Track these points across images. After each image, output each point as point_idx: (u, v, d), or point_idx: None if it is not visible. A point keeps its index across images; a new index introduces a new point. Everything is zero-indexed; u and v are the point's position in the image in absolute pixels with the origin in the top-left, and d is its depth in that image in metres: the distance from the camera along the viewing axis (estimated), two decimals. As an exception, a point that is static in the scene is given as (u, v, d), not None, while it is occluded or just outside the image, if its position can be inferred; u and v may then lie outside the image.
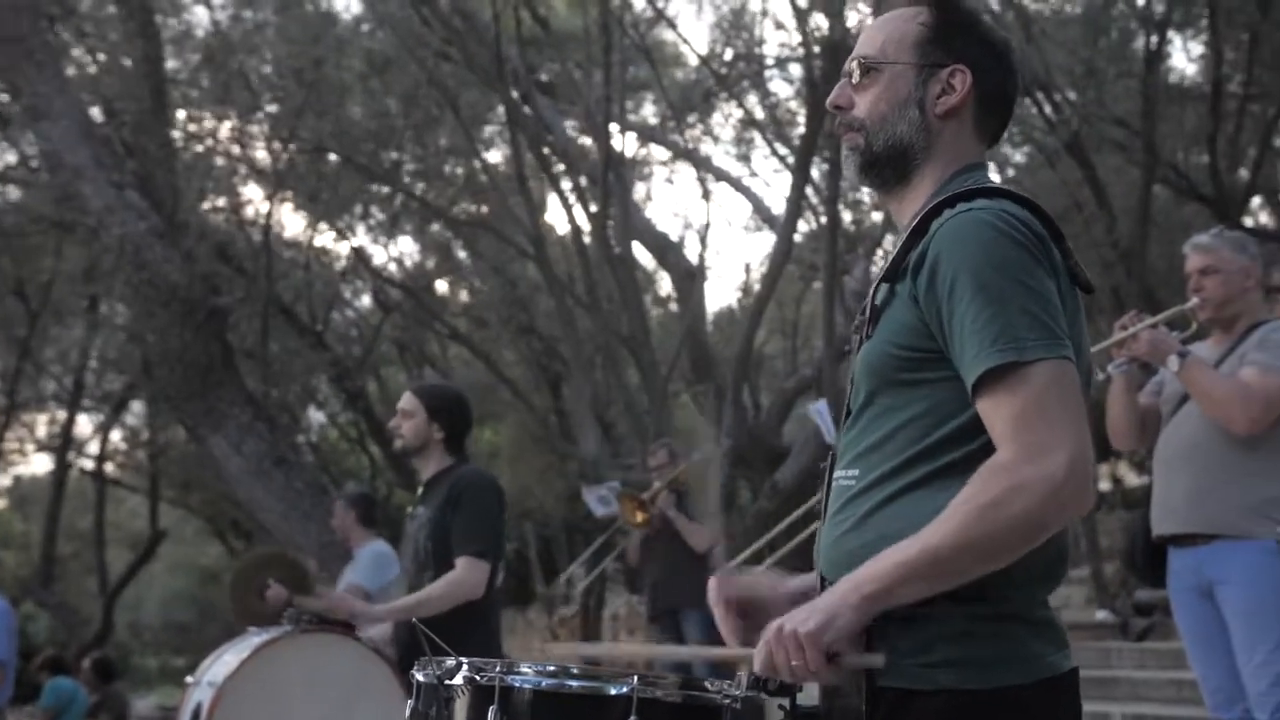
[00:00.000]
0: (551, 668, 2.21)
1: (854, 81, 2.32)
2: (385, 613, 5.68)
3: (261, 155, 16.12)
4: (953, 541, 1.95)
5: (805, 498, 8.37)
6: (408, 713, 2.32)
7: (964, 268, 2.04)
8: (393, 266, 20.06)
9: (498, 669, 2.18)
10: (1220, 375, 4.61)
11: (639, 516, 9.20)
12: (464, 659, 2.23)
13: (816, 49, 13.45)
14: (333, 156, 15.43)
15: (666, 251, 18.87)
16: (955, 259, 2.05)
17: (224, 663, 5.39)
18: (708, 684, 2.23)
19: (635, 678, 2.15)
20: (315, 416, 23.80)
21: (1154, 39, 12.89)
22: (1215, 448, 4.60)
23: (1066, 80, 13.17)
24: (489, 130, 18.85)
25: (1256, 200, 17.54)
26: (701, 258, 20.52)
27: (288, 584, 7.29)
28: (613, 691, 2.16)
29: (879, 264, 18.21)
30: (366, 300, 21.45)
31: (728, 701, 2.22)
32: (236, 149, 15.89)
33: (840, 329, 14.61)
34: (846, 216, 15.74)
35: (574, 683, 2.19)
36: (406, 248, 20.61)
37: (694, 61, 18.23)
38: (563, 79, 16.78)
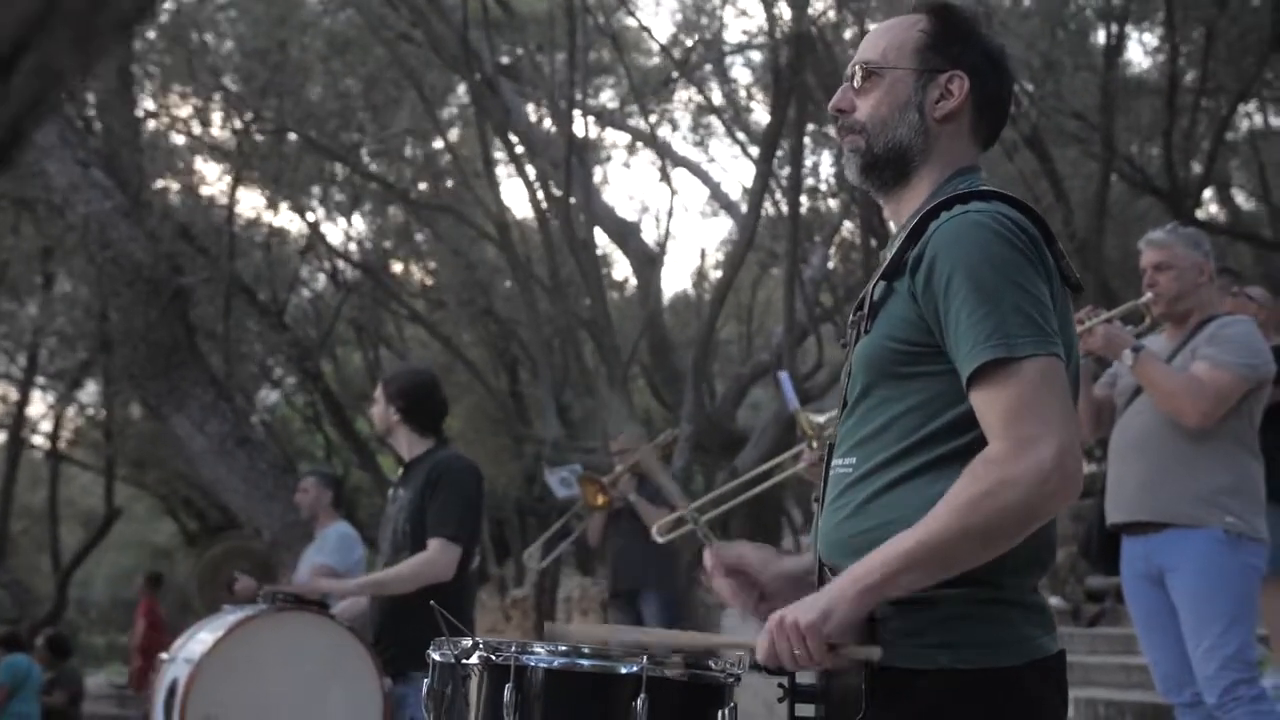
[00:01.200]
0: (564, 647, 2.30)
1: (855, 85, 2.41)
2: (355, 586, 5.78)
3: (223, 135, 16.04)
4: (948, 533, 2.05)
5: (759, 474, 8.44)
6: (424, 691, 2.40)
7: (960, 267, 2.14)
8: (352, 246, 19.98)
9: (513, 649, 2.27)
10: (1172, 370, 4.74)
11: (600, 499, 9.28)
12: (480, 639, 2.31)
13: (781, 36, 13.52)
14: (293, 136, 15.36)
15: (627, 236, 18.92)
16: (952, 259, 2.15)
17: (199, 640, 5.44)
18: (712, 663, 2.33)
19: (645, 657, 2.25)
20: (269, 396, 23.70)
21: (1113, 32, 13.03)
22: (1167, 439, 4.73)
23: (1025, 73, 13.31)
24: (448, 113, 18.84)
25: (1208, 193, 17.80)
26: (661, 243, 20.62)
27: (253, 574, 7.35)
28: (623, 670, 2.26)
29: (836, 252, 18.37)
30: (323, 281, 21.37)
31: (731, 680, 2.32)
32: (198, 128, 15.80)
33: (799, 316, 14.73)
34: (804, 204, 15.81)
35: (585, 662, 2.28)
36: (364, 228, 20.53)
37: (655, 47, 18.25)
38: (525, 62, 16.78)
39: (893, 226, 2.46)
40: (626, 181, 54.49)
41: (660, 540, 8.84)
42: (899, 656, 2.15)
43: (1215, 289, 5.16)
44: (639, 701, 2.19)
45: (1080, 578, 12.96)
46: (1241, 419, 4.74)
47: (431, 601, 2.47)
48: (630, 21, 18.53)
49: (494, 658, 2.27)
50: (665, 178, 22.09)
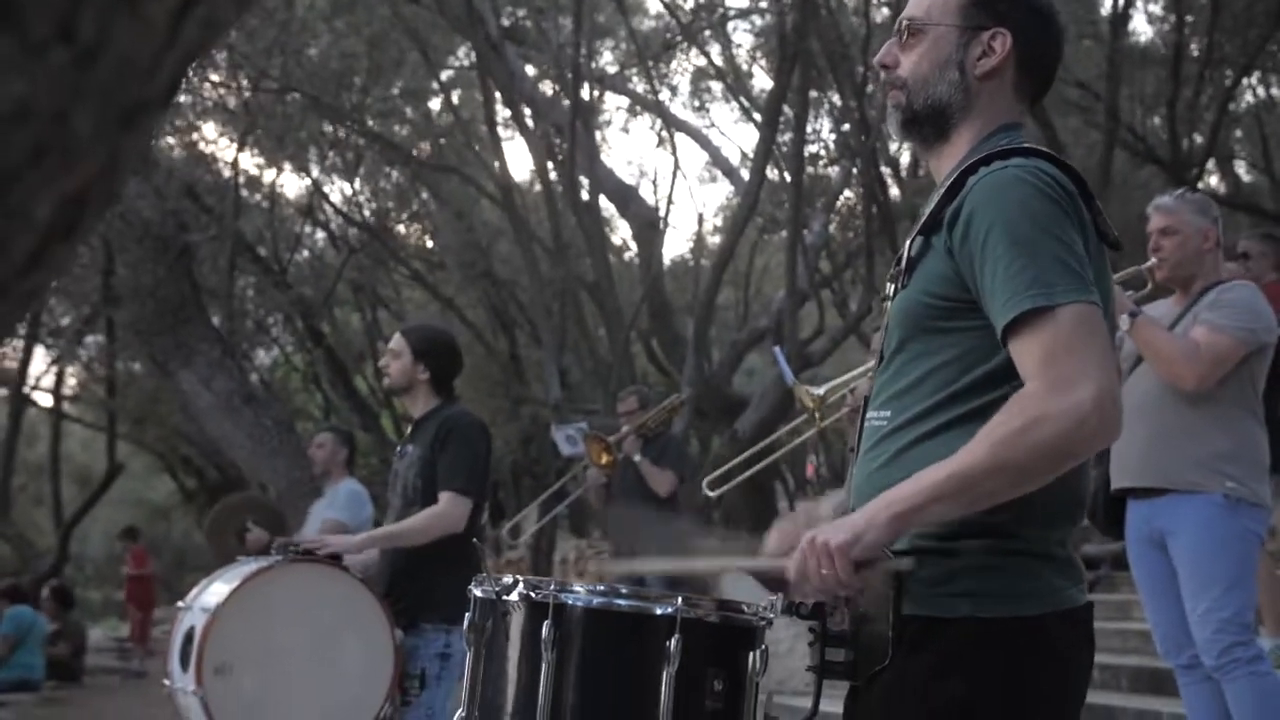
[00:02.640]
0: (602, 587, 2.37)
1: (901, 41, 2.43)
2: (364, 541, 5.81)
3: (227, 94, 16.00)
4: (982, 465, 2.08)
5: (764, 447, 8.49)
6: (465, 625, 2.46)
7: (998, 221, 2.18)
8: (353, 207, 19.99)
9: (552, 586, 2.33)
10: (1171, 334, 4.75)
11: (604, 459, 9.34)
12: (520, 578, 2.38)
13: (785, 0, 13.52)
14: (297, 96, 15.35)
15: (627, 200, 18.94)
16: (990, 213, 2.19)
17: (214, 590, 5.49)
18: (744, 606, 2.40)
19: (680, 599, 2.31)
20: (266, 355, 23.72)
21: (1119, 2, 13.04)
22: (1168, 404, 4.73)
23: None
24: (449, 75, 18.82)
25: (1210, 164, 17.81)
26: (665, 207, 20.63)
27: (265, 526, 7.39)
28: (658, 611, 2.32)
29: (836, 218, 18.40)
30: (323, 241, 21.39)
31: (762, 624, 2.39)
32: (207, 87, 15.78)
33: (800, 281, 14.77)
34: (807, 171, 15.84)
35: (623, 602, 2.35)
36: (366, 189, 20.53)
37: (656, 9, 18.24)
38: (531, 25, 16.77)
39: (936, 180, 2.47)
40: (626, 146, 54.28)
41: (662, 500, 8.93)
42: (923, 605, 2.20)
43: (1220, 256, 5.10)
44: (673, 641, 2.26)
45: (1078, 544, 13.07)
46: (1243, 383, 4.74)
47: (474, 540, 2.52)
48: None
49: (534, 595, 2.34)
50: (666, 142, 22.07)
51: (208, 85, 15.64)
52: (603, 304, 14.24)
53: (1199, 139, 14.76)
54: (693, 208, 55.03)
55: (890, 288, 2.41)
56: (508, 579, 2.40)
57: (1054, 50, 2.46)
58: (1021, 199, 2.19)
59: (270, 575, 5.41)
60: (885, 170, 14.97)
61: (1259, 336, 4.73)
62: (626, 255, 22.58)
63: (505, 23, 17.43)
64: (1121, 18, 12.88)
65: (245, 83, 15.03)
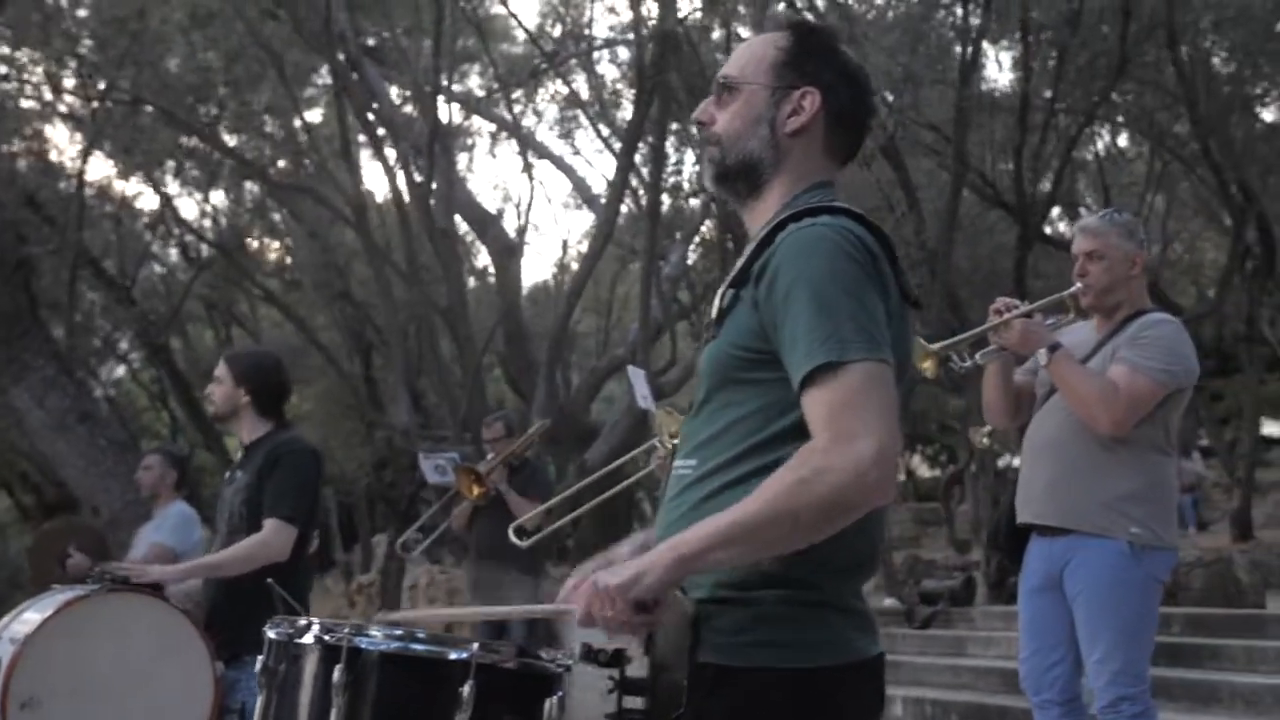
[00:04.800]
0: (399, 631, 2.33)
1: (717, 99, 2.48)
2: (186, 570, 5.64)
3: (75, 101, 15.62)
4: (763, 514, 2.10)
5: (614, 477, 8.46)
6: (258, 667, 2.39)
7: (801, 278, 2.20)
8: (207, 222, 19.65)
9: (346, 630, 2.28)
10: (1088, 372, 4.61)
11: (475, 490, 9.24)
12: (315, 619, 2.32)
13: (647, 33, 13.59)
14: (150, 108, 15.02)
15: (486, 225, 18.88)
16: (794, 269, 2.22)
17: (25, 620, 5.28)
18: (543, 653, 2.37)
19: (476, 645, 2.28)
20: (114, 371, 23.18)
21: (968, 51, 13.34)
22: (1077, 442, 4.61)
23: (886, 84, 13.57)
24: (312, 91, 18.60)
25: (1056, 211, 18.27)
26: (521, 233, 20.59)
27: (88, 552, 7.14)
28: (452, 656, 2.29)
29: (696, 250, 18.55)
30: (175, 255, 20.98)
31: (560, 670, 2.37)
32: (50, 93, 15.38)
33: (655, 312, 14.84)
34: (665, 202, 15.92)
35: (418, 646, 2.31)
36: (222, 204, 20.19)
37: (524, 36, 18.24)
38: (391, 46, 16.64)
39: (750, 233, 2.50)
40: (491, 170, 54.27)
41: (522, 545, 8.85)
42: (715, 653, 2.20)
43: (1145, 282, 4.90)
44: (466, 687, 2.23)
45: (917, 580, 13.30)
46: (1156, 425, 4.59)
47: (268, 580, 2.46)
48: (498, 9, 18.48)
49: (328, 638, 2.29)
50: (528, 168, 22.06)
51: (53, 92, 15.26)
52: (455, 329, 14.13)
53: (1046, 185, 15.14)
54: (558, 235, 55.22)
55: (705, 338, 2.43)
56: (302, 621, 2.34)
57: (862, 110, 2.49)
58: (825, 257, 2.21)
59: (85, 604, 5.21)
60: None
61: (1178, 379, 4.59)
62: (489, 279, 22.51)
63: (371, 42, 17.32)
64: (971, 65, 13.17)
65: (93, 92, 14.66)
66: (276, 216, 20.21)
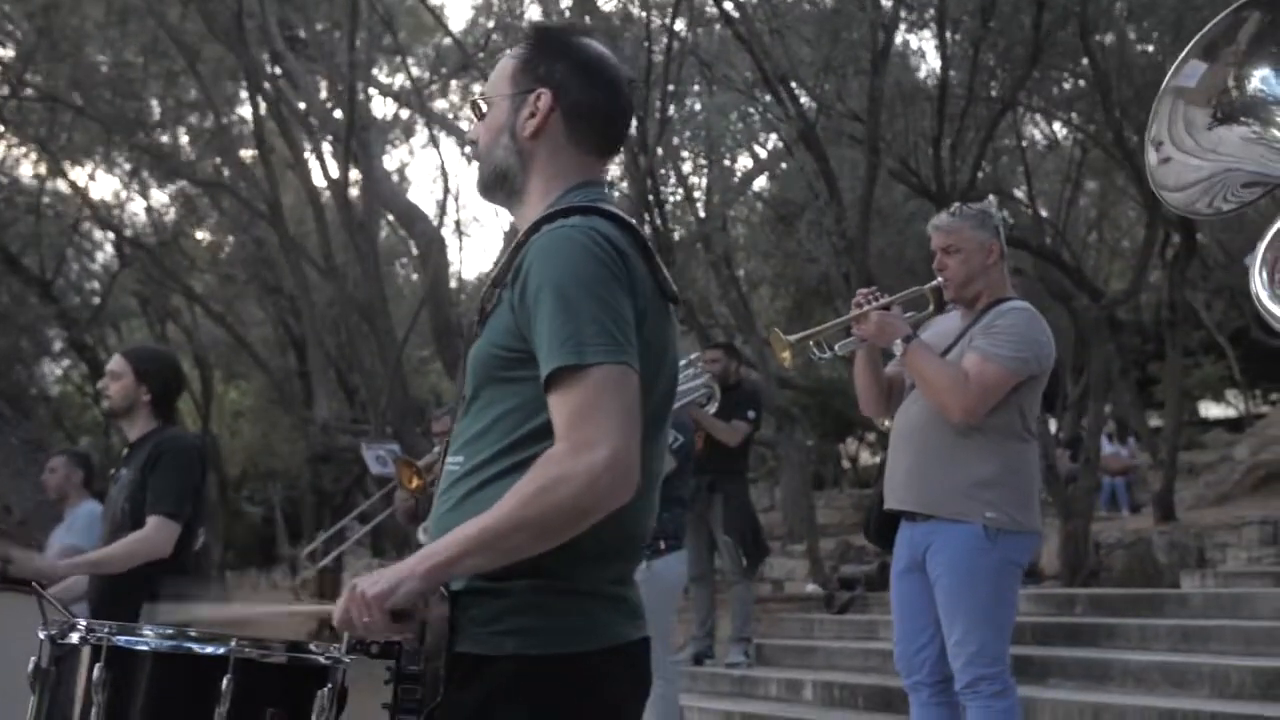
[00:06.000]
0: (166, 630, 2.39)
1: (477, 117, 2.57)
2: (68, 566, 5.64)
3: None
4: (506, 522, 2.19)
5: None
6: (30, 668, 2.45)
7: (548, 280, 2.27)
8: (141, 217, 19.53)
9: (107, 629, 2.34)
10: (941, 362, 4.73)
11: (414, 482, 9.27)
12: (81, 620, 2.38)
13: (578, 24, 13.59)
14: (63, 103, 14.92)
15: (414, 219, 18.87)
16: (542, 271, 2.29)
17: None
18: (313, 646, 2.43)
19: (234, 640, 2.35)
20: (50, 369, 23.04)
21: (879, 39, 13.38)
22: (933, 430, 4.74)
23: (808, 74, 13.61)
24: (235, 85, 18.50)
25: (993, 199, 18.26)
26: (451, 226, 20.58)
27: (-4, 551, 7.11)
28: (209, 651, 2.36)
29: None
30: (109, 251, 20.86)
31: (330, 662, 2.43)
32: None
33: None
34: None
35: (179, 643, 2.37)
36: (153, 200, 20.06)
37: (455, 27, 18.19)
38: (310, 39, 16.57)
39: None
40: (429, 163, 54.00)
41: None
42: (471, 643, 2.28)
43: (1005, 268, 5.03)
44: (225, 682, 2.29)
45: (837, 566, 13.41)
46: (1011, 411, 4.72)
47: (33, 584, 2.51)
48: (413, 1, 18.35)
49: (89, 637, 2.35)
50: (468, 159, 21.92)
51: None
52: (374, 324, 14.13)
53: (967, 174, 15.22)
54: (498, 226, 54.93)
55: (469, 336, 2.51)
56: (70, 621, 2.41)
57: (604, 101, 2.52)
58: (570, 258, 2.28)
59: (-33, 604, 5.24)
60: (669, 197, 15.17)
61: (1029, 366, 4.71)
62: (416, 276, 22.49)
63: (301, 33, 17.23)
64: (883, 54, 13.22)
65: (6, 89, 14.55)
66: (210, 210, 20.11)
